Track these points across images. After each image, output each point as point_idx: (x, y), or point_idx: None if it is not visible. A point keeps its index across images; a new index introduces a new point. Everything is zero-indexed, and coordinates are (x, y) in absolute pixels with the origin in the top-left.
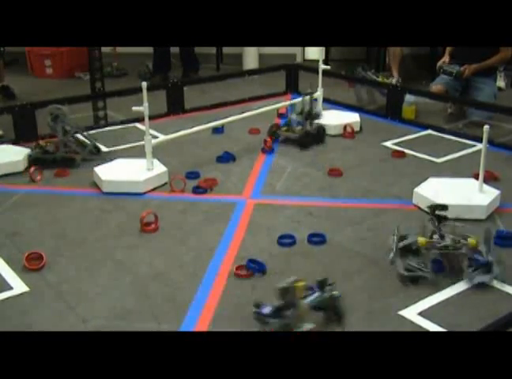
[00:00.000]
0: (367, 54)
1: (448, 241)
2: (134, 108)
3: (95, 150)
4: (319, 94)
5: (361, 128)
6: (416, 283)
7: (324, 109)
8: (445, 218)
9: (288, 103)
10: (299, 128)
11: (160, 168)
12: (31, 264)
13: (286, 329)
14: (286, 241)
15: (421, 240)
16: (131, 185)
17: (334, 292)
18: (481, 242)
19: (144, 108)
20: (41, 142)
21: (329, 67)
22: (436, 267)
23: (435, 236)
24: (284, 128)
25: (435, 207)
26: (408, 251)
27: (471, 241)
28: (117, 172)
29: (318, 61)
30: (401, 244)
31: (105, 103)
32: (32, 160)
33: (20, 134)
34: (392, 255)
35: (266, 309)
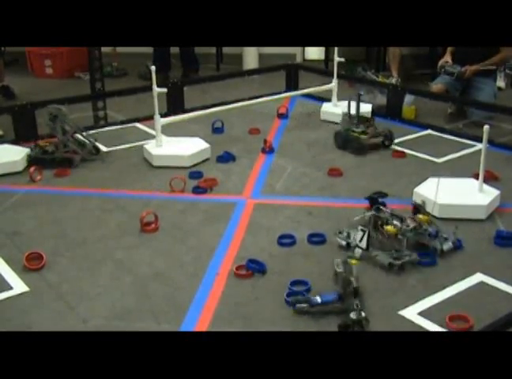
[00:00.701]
0: (367, 54)
1: (411, 223)
2: (158, 89)
3: (94, 150)
4: (334, 85)
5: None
6: (403, 270)
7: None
8: (384, 204)
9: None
10: (359, 130)
11: (202, 144)
12: (31, 264)
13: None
14: (286, 241)
15: (390, 228)
16: (179, 160)
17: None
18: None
19: (158, 90)
20: (40, 142)
21: (343, 59)
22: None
23: (396, 222)
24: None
25: (376, 196)
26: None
27: (424, 218)
28: (166, 148)
29: (317, 61)
30: (360, 239)
31: (105, 103)
32: (32, 160)
33: (20, 134)
34: (359, 251)
35: (318, 299)
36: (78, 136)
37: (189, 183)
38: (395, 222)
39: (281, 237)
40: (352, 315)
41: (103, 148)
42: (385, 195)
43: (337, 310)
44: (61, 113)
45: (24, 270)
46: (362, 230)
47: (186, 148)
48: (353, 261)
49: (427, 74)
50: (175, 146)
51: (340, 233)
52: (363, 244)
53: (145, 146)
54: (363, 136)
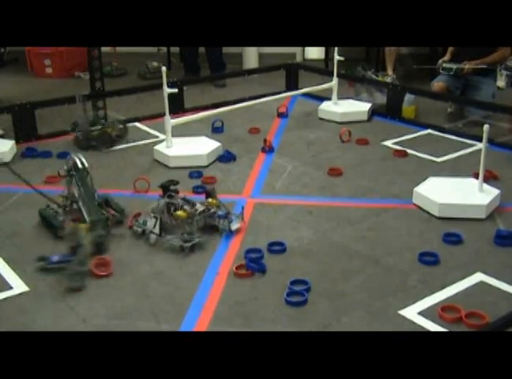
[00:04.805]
0: (367, 53)
1: (200, 207)
2: (169, 90)
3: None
4: (334, 83)
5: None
6: (193, 251)
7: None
8: (176, 191)
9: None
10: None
11: (213, 143)
12: (98, 271)
13: (80, 267)
14: (276, 248)
15: (180, 213)
16: (196, 160)
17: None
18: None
19: (170, 90)
20: (57, 199)
21: (342, 58)
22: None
23: (186, 207)
24: None
25: (167, 184)
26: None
27: (213, 202)
28: (179, 149)
29: (317, 60)
30: (153, 225)
31: (105, 103)
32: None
33: (20, 133)
34: (153, 236)
35: (55, 258)
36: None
37: (189, 183)
38: (185, 207)
39: (271, 244)
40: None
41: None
42: (176, 183)
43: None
44: (78, 169)
45: (25, 272)
46: (154, 216)
47: (200, 147)
48: (82, 225)
49: (427, 70)
50: (188, 146)
51: (136, 221)
52: (157, 230)
53: (156, 147)
54: (108, 130)
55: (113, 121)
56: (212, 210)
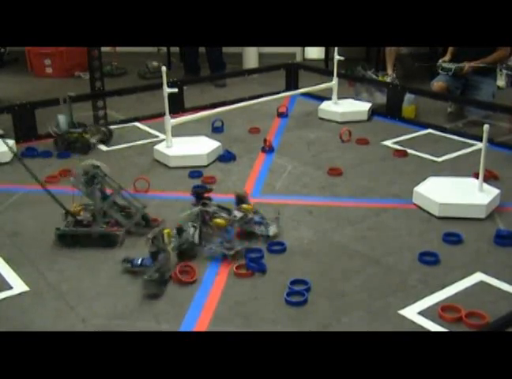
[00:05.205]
0: (367, 53)
1: (238, 213)
2: (168, 90)
3: (143, 220)
4: (334, 83)
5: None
6: (236, 259)
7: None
8: (209, 199)
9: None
10: (79, 130)
11: (212, 142)
12: (184, 278)
13: (160, 272)
14: (276, 248)
15: (219, 221)
16: (197, 159)
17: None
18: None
19: (170, 90)
20: (73, 207)
21: (342, 58)
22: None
23: (224, 214)
24: None
25: (200, 192)
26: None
27: (248, 207)
28: (180, 148)
29: (317, 60)
30: (192, 235)
31: (105, 103)
32: (61, 236)
33: (20, 133)
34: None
35: (137, 260)
36: (121, 201)
37: (189, 182)
38: (223, 214)
39: (271, 244)
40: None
41: (103, 148)
42: (210, 190)
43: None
44: (99, 172)
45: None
46: (193, 226)
47: (200, 147)
48: (166, 230)
49: (427, 70)
50: (188, 146)
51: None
52: (196, 239)
53: (156, 147)
54: (86, 136)
55: (96, 125)
56: (250, 216)
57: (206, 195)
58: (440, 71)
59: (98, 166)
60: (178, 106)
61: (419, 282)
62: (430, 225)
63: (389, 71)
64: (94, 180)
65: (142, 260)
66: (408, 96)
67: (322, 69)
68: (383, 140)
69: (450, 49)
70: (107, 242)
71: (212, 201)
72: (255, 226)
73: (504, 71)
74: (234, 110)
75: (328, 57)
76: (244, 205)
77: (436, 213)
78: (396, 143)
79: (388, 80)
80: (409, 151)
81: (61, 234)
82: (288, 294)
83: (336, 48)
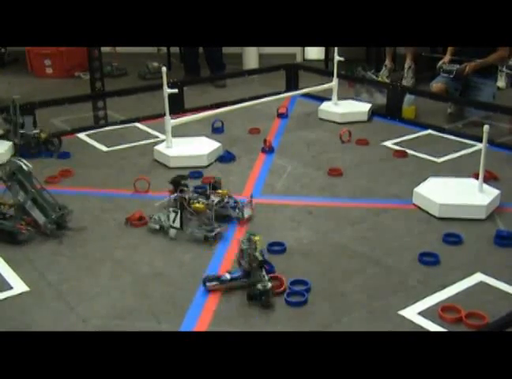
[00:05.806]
0: (367, 54)
1: (215, 197)
2: (169, 90)
3: (56, 226)
4: (334, 84)
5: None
6: (216, 241)
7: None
8: (186, 186)
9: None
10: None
11: (213, 143)
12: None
13: (264, 287)
14: (276, 248)
15: (199, 205)
16: (197, 160)
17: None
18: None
19: (170, 91)
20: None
21: (342, 59)
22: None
23: (202, 199)
24: None
25: (178, 179)
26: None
27: (224, 192)
28: (180, 149)
29: (317, 61)
30: (173, 220)
31: (105, 103)
32: None
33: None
34: (174, 231)
35: (227, 276)
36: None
37: (192, 182)
38: (201, 199)
39: (271, 244)
40: (259, 286)
41: (104, 148)
42: (186, 177)
43: (246, 285)
44: (21, 169)
45: (23, 270)
46: (174, 211)
47: (201, 147)
48: (256, 237)
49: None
50: (188, 146)
51: (150, 218)
52: (177, 224)
53: (156, 148)
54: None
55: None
56: (226, 200)
57: (183, 182)
58: (441, 73)
59: (21, 166)
60: (178, 106)
61: (419, 282)
62: (430, 225)
63: (388, 62)
64: (13, 176)
65: (232, 275)
66: (408, 97)
67: (322, 70)
68: (383, 141)
69: (450, 49)
70: (10, 238)
71: (189, 188)
72: (231, 209)
73: (505, 70)
74: (234, 111)
75: (328, 57)
76: (219, 190)
77: (436, 214)
78: (396, 143)
79: (385, 72)
80: (409, 151)
81: None
82: (288, 295)
83: (336, 49)
